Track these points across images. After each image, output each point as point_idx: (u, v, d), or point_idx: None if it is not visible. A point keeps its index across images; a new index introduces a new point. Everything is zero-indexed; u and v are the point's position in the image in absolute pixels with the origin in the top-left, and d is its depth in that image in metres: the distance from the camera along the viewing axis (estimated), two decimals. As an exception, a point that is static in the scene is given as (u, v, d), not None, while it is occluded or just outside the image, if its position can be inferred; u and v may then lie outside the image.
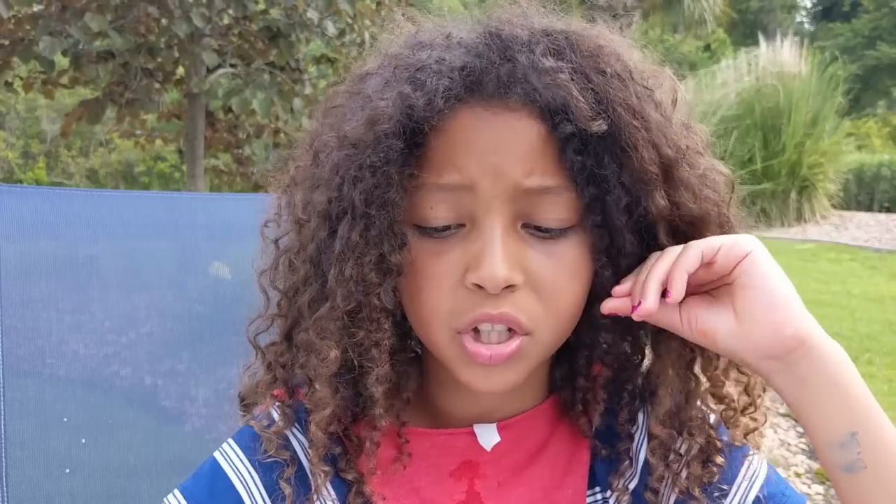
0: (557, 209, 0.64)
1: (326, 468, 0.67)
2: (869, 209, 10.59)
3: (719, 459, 0.71)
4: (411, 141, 0.62)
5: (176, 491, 0.69)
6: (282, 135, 5.36)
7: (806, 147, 9.01)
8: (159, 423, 1.45)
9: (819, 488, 3.34)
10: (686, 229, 0.65)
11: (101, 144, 14.83)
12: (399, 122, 0.61)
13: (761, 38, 10.19)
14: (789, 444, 3.80)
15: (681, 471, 0.69)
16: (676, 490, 0.70)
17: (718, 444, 0.71)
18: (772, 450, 3.75)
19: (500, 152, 0.61)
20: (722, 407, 0.73)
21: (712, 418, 0.73)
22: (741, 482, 0.72)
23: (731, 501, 0.71)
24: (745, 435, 0.73)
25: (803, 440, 3.84)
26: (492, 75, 0.62)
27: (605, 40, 0.66)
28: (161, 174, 14.21)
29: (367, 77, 0.66)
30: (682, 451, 0.69)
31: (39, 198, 1.33)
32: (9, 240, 1.26)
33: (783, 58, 9.51)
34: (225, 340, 1.52)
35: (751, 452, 0.73)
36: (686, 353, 0.69)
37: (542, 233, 0.64)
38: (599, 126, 0.61)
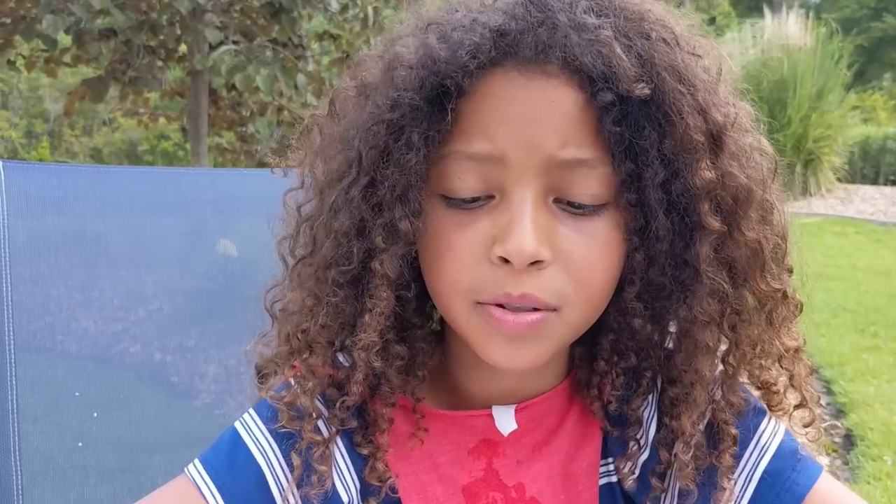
0: (592, 184, 0.60)
1: (319, 438, 0.66)
2: (874, 182, 10.54)
3: (731, 451, 0.68)
4: (437, 103, 0.59)
5: (196, 461, 0.68)
6: (285, 112, 5.34)
7: (811, 120, 8.95)
8: (169, 398, 1.46)
9: (825, 460, 3.36)
10: (729, 207, 0.61)
11: (104, 123, 14.80)
12: (420, 76, 0.58)
13: (766, 10, 10.09)
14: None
15: (689, 464, 0.67)
16: (682, 480, 0.68)
17: (735, 433, 0.68)
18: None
19: (534, 122, 0.58)
20: (762, 392, 0.70)
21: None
22: (749, 456, 0.70)
23: (737, 478, 0.69)
24: (803, 425, 0.70)
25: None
26: (529, 37, 0.59)
27: (651, 6, 0.62)
28: (165, 153, 14.19)
29: (398, 39, 0.62)
30: (693, 444, 0.67)
31: (46, 174, 1.33)
32: (17, 216, 1.26)
33: (788, 30, 9.41)
34: (234, 317, 1.53)
35: (766, 417, 0.70)
36: (717, 343, 0.66)
37: (574, 209, 0.61)
38: (643, 90, 0.57)
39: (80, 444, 1.28)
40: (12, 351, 1.21)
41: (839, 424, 3.70)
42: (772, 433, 0.70)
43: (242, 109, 5.68)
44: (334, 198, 0.62)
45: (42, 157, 14.00)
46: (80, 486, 1.26)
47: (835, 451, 3.47)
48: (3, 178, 1.26)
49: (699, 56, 0.62)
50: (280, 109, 5.42)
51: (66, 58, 4.80)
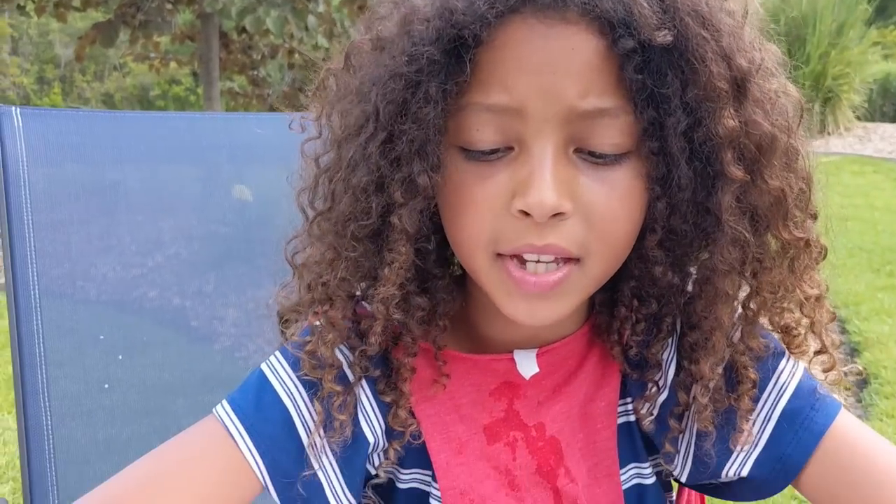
0: (613, 133, 0.59)
1: (339, 388, 0.67)
2: (894, 120, 10.36)
3: (750, 394, 0.68)
4: (454, 55, 0.57)
5: (224, 402, 0.69)
6: (296, 55, 5.29)
7: (831, 57, 8.77)
8: (190, 342, 1.47)
9: (838, 398, 3.39)
10: (752, 156, 0.60)
11: (115, 69, 14.69)
12: (437, 28, 0.57)
13: (787, -57, 9.81)
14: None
15: (707, 406, 0.68)
16: (700, 422, 0.68)
17: (754, 377, 0.68)
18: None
19: (554, 71, 0.57)
20: (782, 335, 0.70)
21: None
22: (768, 396, 0.70)
23: (755, 417, 0.69)
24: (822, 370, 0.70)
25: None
26: None
27: None
28: (176, 98, 14.10)
29: None
30: (712, 387, 0.67)
31: (63, 120, 1.33)
32: (36, 163, 1.27)
33: (809, -37, 9.17)
34: (251, 262, 1.54)
35: (785, 358, 0.70)
36: (737, 291, 0.65)
37: (595, 158, 0.60)
38: (665, 37, 0.55)
39: (106, 385, 1.30)
40: (37, 297, 1.23)
41: (854, 363, 3.73)
42: (790, 373, 0.70)
43: (253, 52, 5.64)
44: (352, 153, 0.61)
45: (54, 103, 13.94)
46: (108, 426, 1.29)
47: (848, 389, 3.50)
48: (20, 124, 1.27)
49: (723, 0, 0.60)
50: (291, 52, 5.37)
51: (76, 2, 4.75)
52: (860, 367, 3.60)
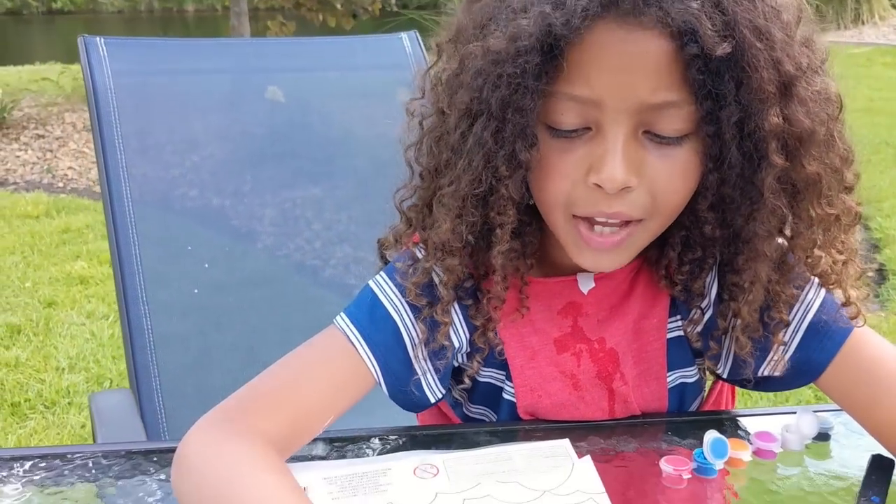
0: (676, 120, 0.68)
1: (446, 319, 0.78)
2: (932, 9, 9.98)
3: (782, 331, 0.77)
4: (549, 54, 0.66)
5: (342, 315, 0.79)
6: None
7: (869, -59, 8.41)
8: (233, 241, 1.52)
9: (855, 293, 3.43)
10: (793, 146, 0.68)
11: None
12: (538, 38, 0.65)
13: None
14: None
15: (745, 342, 0.77)
16: (738, 351, 0.78)
17: (787, 319, 0.77)
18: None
19: (630, 70, 0.66)
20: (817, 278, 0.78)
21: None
22: (797, 313, 0.79)
23: (786, 330, 0.78)
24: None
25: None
26: None
27: None
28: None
29: (519, 11, 0.68)
30: (749, 325, 0.76)
31: (144, 48, 1.50)
32: (120, 89, 1.35)
33: None
34: (285, 162, 1.58)
35: (812, 283, 0.78)
36: (774, 253, 0.73)
37: (660, 139, 0.69)
38: (724, 49, 0.64)
39: (195, 290, 1.37)
40: (132, 212, 1.32)
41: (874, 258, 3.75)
42: (816, 293, 0.79)
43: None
44: (462, 131, 0.71)
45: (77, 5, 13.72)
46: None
47: (867, 285, 3.54)
48: (105, 53, 1.38)
49: (779, 10, 0.67)
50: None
51: None
52: (877, 262, 3.63)
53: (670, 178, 0.70)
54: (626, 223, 0.72)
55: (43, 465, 0.75)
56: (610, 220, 0.71)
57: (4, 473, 0.74)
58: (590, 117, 0.68)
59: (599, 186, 0.68)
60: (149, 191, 1.41)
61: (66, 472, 0.75)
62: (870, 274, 2.96)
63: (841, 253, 0.75)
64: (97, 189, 4.80)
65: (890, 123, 5.99)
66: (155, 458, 0.77)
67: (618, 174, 0.67)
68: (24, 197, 4.42)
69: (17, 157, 5.11)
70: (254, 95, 1.59)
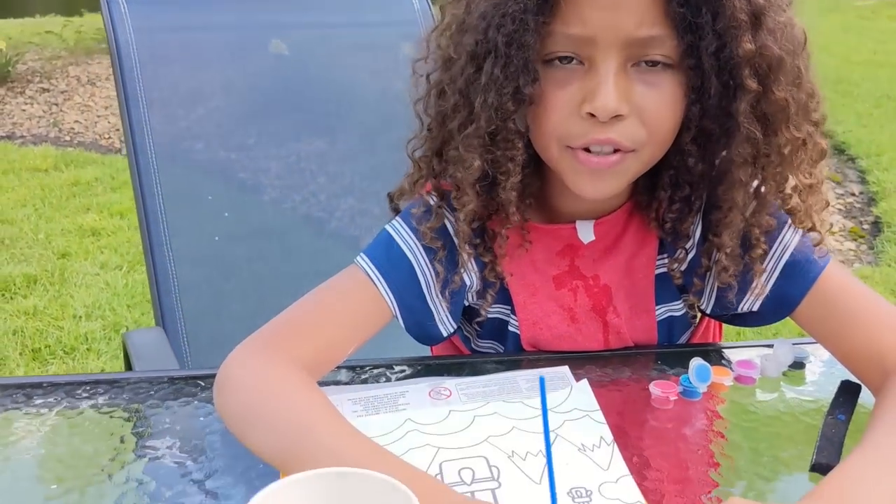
0: (661, 52, 0.75)
1: (470, 251, 0.86)
2: (939, -40, 9.87)
3: (761, 259, 0.84)
4: None
5: (362, 255, 0.87)
6: None
7: None
8: (241, 193, 1.56)
9: (851, 245, 3.51)
10: (764, 72, 0.75)
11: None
12: None
13: None
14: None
15: (727, 267, 0.84)
16: (721, 279, 0.86)
17: (765, 247, 0.84)
18: (809, 210, 3.89)
19: (617, 8, 0.73)
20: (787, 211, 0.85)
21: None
22: (774, 253, 0.86)
23: (765, 268, 0.85)
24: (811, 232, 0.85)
25: (840, 201, 3.96)
26: None
27: None
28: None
29: None
30: (730, 253, 0.82)
31: (164, 4, 1.49)
32: (142, 46, 1.40)
33: None
34: (289, 115, 1.61)
35: (788, 224, 0.85)
36: (749, 178, 0.80)
37: (648, 67, 0.76)
38: None
39: (216, 237, 1.44)
40: (155, 165, 1.39)
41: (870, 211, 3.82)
42: (792, 236, 0.86)
43: None
44: (469, 74, 0.78)
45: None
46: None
47: (862, 237, 3.61)
48: (127, 11, 1.41)
49: None
50: None
51: None
52: (874, 214, 3.69)
53: (657, 106, 0.76)
54: (618, 151, 0.78)
55: (101, 388, 0.84)
56: (604, 149, 0.77)
57: (58, 398, 0.82)
58: (583, 52, 0.75)
59: (593, 115, 0.75)
60: (169, 143, 1.46)
61: (121, 397, 0.83)
62: (865, 227, 3.00)
63: (808, 178, 0.81)
64: (104, 143, 4.87)
65: (892, 76, 5.99)
66: (202, 383, 0.85)
67: (610, 102, 0.74)
68: (32, 150, 4.48)
69: (23, 110, 5.15)
70: (260, 49, 1.62)
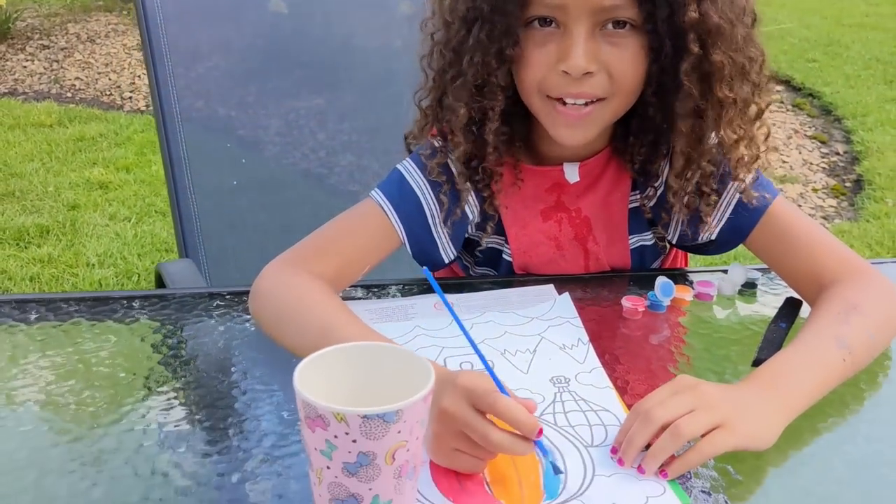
0: (625, 17, 0.87)
1: (468, 186, 1.00)
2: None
3: (714, 196, 0.98)
4: None
5: (376, 189, 1.00)
6: None
7: None
8: (239, 152, 1.61)
9: (832, 202, 3.65)
10: (704, 37, 0.87)
11: None
12: None
13: None
14: (811, 164, 4.05)
15: (686, 202, 0.98)
16: (682, 214, 1.00)
17: (715, 188, 0.97)
18: (794, 168, 4.02)
19: None
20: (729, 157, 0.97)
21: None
22: (729, 191, 0.98)
23: (721, 203, 0.98)
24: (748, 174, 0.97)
25: (825, 160, 4.09)
26: None
27: None
28: None
29: None
30: (689, 190, 0.97)
31: None
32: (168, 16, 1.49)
33: None
34: (289, 73, 1.65)
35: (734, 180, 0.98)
36: (690, 129, 0.93)
37: (613, 32, 0.88)
38: None
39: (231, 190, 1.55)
40: (179, 117, 1.51)
41: (853, 170, 3.94)
42: (743, 177, 0.98)
43: None
44: (462, 35, 0.91)
45: None
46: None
47: (843, 194, 3.74)
48: None
49: None
50: None
51: None
52: (856, 173, 3.81)
53: (622, 63, 0.89)
54: (591, 102, 0.91)
55: (150, 301, 0.98)
56: (577, 101, 0.90)
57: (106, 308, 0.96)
58: (558, 18, 0.88)
59: (567, 73, 0.88)
60: (193, 95, 1.55)
61: (168, 310, 0.97)
62: (847, 185, 3.15)
63: (734, 133, 0.93)
64: (105, 99, 4.96)
65: (882, 39, 6.08)
66: (244, 298, 0.99)
67: (580, 62, 0.87)
68: (35, 106, 4.56)
69: (24, 67, 5.22)
70: (260, 7, 1.64)
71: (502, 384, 0.68)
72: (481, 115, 0.94)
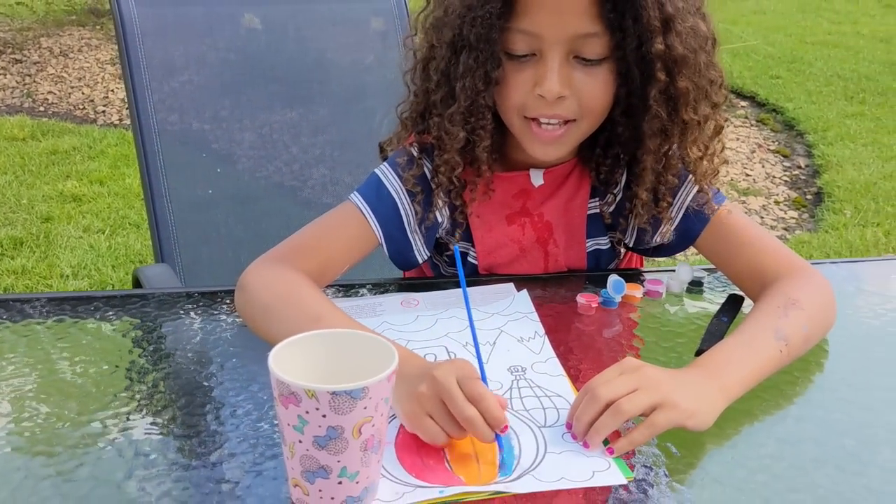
0: (596, 47, 0.94)
1: (445, 198, 1.06)
2: (895, -57, 10.17)
3: (668, 208, 1.06)
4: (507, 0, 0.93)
5: (355, 192, 1.05)
6: None
7: None
8: (214, 162, 1.63)
9: (794, 213, 3.76)
10: (671, 67, 0.94)
11: None
12: None
13: None
14: (774, 177, 4.17)
15: (642, 214, 1.05)
16: (638, 221, 1.07)
17: (670, 200, 1.05)
18: (757, 181, 4.13)
19: (562, 11, 0.93)
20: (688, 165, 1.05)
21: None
22: (681, 195, 1.06)
23: (672, 209, 1.06)
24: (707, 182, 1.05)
25: (787, 174, 4.21)
26: None
27: None
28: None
29: None
30: (644, 200, 1.03)
31: None
32: (146, 32, 1.53)
33: None
34: (262, 87, 1.69)
35: (689, 178, 1.06)
36: (657, 146, 1.00)
37: (585, 61, 0.95)
38: None
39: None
40: (156, 129, 1.54)
41: (814, 183, 4.06)
42: (692, 187, 1.07)
43: None
44: (448, 59, 0.98)
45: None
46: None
47: (804, 206, 3.86)
48: None
49: None
50: None
51: None
52: (816, 186, 3.92)
53: (593, 89, 0.97)
54: (564, 123, 0.98)
55: (133, 302, 1.02)
56: (551, 121, 0.98)
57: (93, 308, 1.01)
58: (535, 46, 0.95)
59: (542, 97, 0.95)
60: (167, 109, 1.59)
61: (148, 308, 1.02)
62: (808, 197, 3.26)
63: (697, 151, 1.01)
64: (78, 113, 4.97)
65: (844, 56, 6.25)
66: (228, 300, 1.04)
67: (554, 87, 0.94)
68: (8, 120, 4.56)
69: (-3, 81, 5.23)
70: (233, 23, 1.68)
71: (486, 377, 0.76)
72: (473, 136, 1.01)
